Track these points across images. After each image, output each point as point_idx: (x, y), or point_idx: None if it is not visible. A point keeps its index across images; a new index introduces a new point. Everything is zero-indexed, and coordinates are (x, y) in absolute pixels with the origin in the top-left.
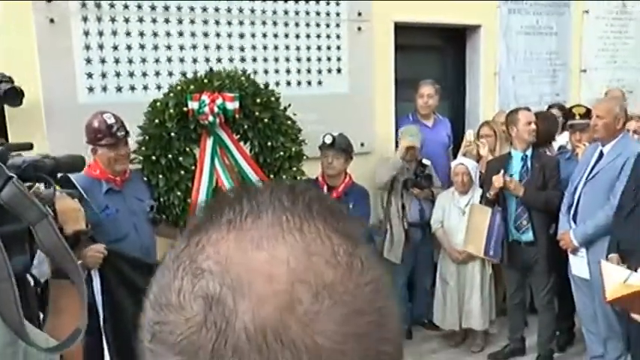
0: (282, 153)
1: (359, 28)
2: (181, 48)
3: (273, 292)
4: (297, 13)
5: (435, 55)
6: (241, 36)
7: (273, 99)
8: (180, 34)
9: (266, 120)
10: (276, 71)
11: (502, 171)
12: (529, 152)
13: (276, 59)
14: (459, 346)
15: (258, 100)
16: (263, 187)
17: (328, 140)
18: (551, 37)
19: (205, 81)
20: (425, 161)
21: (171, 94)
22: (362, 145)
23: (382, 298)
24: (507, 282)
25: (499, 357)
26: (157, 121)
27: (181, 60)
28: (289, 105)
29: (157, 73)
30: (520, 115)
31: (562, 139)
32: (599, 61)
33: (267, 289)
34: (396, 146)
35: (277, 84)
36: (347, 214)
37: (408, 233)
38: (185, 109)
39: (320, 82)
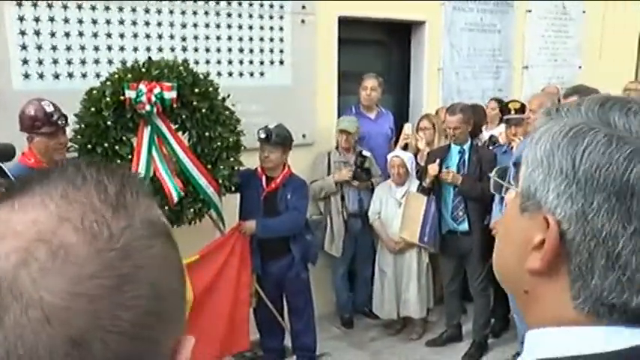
0: (219, 143)
1: (302, 21)
2: (122, 36)
3: (15, 247)
4: (240, 4)
5: (380, 50)
6: (183, 25)
7: (211, 89)
8: (121, 22)
9: (204, 110)
10: (218, 62)
11: (437, 160)
12: (467, 145)
13: (219, 50)
14: (398, 334)
15: (197, 90)
16: (66, 165)
17: (262, 135)
18: (495, 35)
19: (143, 70)
20: (365, 153)
21: (109, 83)
22: (304, 136)
23: (129, 267)
24: (443, 271)
25: (436, 343)
26: (93, 109)
27: (121, 48)
28: (228, 95)
29: (97, 61)
30: (445, 117)
31: (497, 131)
32: (541, 58)
33: (12, 245)
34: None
35: (219, 74)
36: (135, 191)
37: (347, 224)
38: (122, 97)
39: (262, 74)
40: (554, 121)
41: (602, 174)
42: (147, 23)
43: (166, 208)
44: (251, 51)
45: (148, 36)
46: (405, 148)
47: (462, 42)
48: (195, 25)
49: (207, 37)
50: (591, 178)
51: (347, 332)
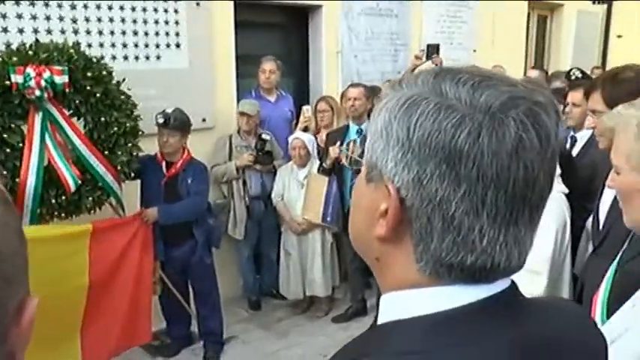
0: (116, 129)
1: (197, 4)
2: (4, 16)
3: None
4: None
5: (279, 33)
6: (73, 7)
7: (105, 73)
8: (2, 0)
9: (98, 95)
10: (113, 45)
11: (338, 142)
12: (365, 125)
13: (112, 32)
14: (305, 313)
15: (90, 74)
16: None
17: (161, 120)
18: (392, 19)
19: (30, 53)
20: (264, 136)
21: None
22: (203, 120)
23: None
24: (347, 247)
25: (342, 319)
26: None
27: (4, 30)
28: (123, 79)
29: None
30: (346, 92)
31: None
32: (437, 41)
33: None
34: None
35: (114, 58)
36: None
37: (250, 208)
38: (8, 82)
39: (159, 57)
40: (395, 93)
41: (432, 141)
42: (32, 3)
43: (64, 197)
44: (146, 34)
45: (34, 17)
46: (306, 130)
47: (359, 26)
48: (85, 7)
49: (99, 19)
50: (424, 146)
51: (254, 314)
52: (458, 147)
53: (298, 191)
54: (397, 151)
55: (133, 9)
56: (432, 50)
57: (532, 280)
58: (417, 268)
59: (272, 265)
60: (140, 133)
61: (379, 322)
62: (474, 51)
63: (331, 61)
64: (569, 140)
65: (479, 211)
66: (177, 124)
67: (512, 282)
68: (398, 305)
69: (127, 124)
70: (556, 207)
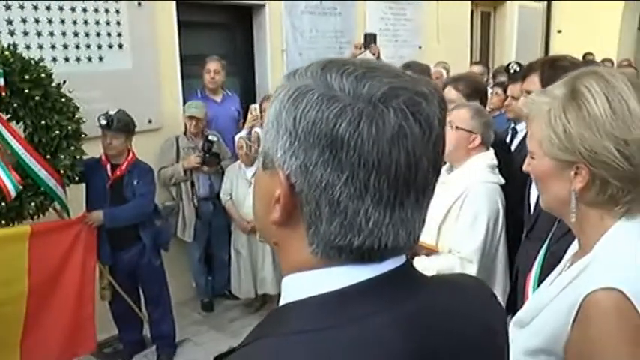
0: (58, 132)
1: (139, 4)
2: None
3: None
4: None
5: (223, 32)
6: (8, 7)
7: (44, 75)
8: None
9: (37, 98)
10: (53, 47)
11: (243, 132)
12: None
13: (52, 34)
14: (258, 312)
15: (27, 77)
16: None
17: (103, 121)
18: (336, 17)
19: None
20: (211, 137)
21: None
22: (149, 122)
23: None
24: None
25: None
26: None
27: None
28: (64, 82)
29: None
30: None
31: None
32: (382, 39)
33: None
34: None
35: (54, 60)
36: None
37: (198, 209)
38: None
39: (101, 58)
40: (287, 84)
41: (316, 130)
42: None
43: (3, 204)
44: (87, 35)
45: None
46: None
47: (303, 24)
48: (22, 7)
49: (37, 20)
50: (308, 135)
51: (207, 316)
52: (339, 135)
53: (246, 190)
54: (285, 139)
55: (73, 9)
56: (370, 40)
57: (464, 268)
58: (310, 251)
59: (223, 266)
60: (83, 135)
61: (280, 303)
62: (420, 47)
63: (276, 59)
64: (509, 132)
65: (363, 195)
66: (120, 125)
67: (407, 260)
68: (295, 287)
69: (69, 127)
70: (488, 198)
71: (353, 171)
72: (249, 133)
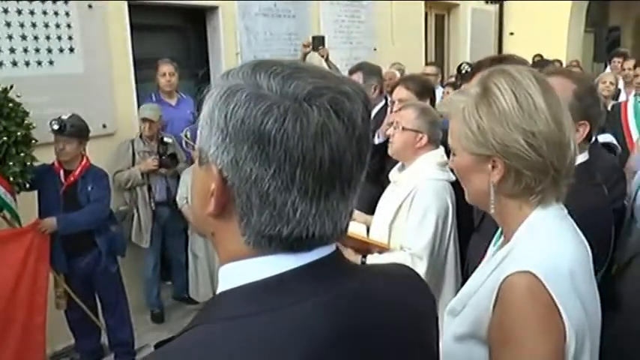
0: (6, 138)
1: (89, 6)
2: None
3: None
4: None
5: (177, 35)
6: None
7: None
8: None
9: None
10: None
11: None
12: None
13: None
14: None
15: None
16: None
17: (55, 126)
18: (290, 20)
19: None
20: (166, 139)
21: None
22: (104, 126)
23: None
24: None
25: None
26: None
27: None
28: (11, 86)
29: None
30: None
31: None
32: (337, 41)
33: None
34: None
35: (1, 64)
36: None
37: (155, 214)
38: None
39: (52, 62)
40: (220, 84)
41: (245, 127)
42: None
43: None
44: (36, 38)
45: None
46: None
47: (257, 26)
48: None
49: None
50: (238, 131)
51: (167, 320)
52: (266, 132)
53: None
54: (218, 136)
55: (19, 12)
56: (318, 42)
57: (415, 265)
58: (243, 241)
59: (182, 270)
60: (33, 141)
61: (217, 292)
62: (375, 49)
63: (231, 62)
64: None
65: (290, 187)
66: (73, 130)
67: (336, 249)
68: (230, 275)
69: (18, 133)
70: (437, 195)
71: (279, 165)
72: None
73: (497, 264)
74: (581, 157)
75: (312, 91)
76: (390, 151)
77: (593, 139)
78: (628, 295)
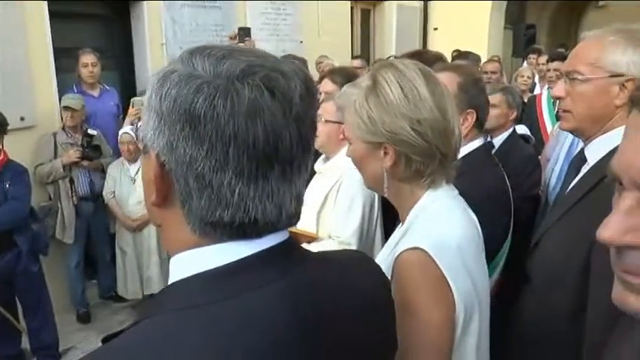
0: None
1: None
2: None
3: None
4: None
5: (99, 24)
6: None
7: None
8: None
9: None
10: None
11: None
12: None
13: None
14: None
15: None
16: None
17: None
18: (216, 11)
19: None
20: (91, 131)
21: None
22: (22, 119)
23: None
24: None
25: None
26: None
27: None
28: None
29: None
30: None
31: None
32: (264, 33)
33: None
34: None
35: None
36: None
37: (78, 209)
38: None
39: None
40: (159, 70)
41: (177, 107)
42: None
43: None
44: None
45: None
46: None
47: (183, 17)
48: None
49: None
50: (171, 112)
51: (94, 320)
52: (197, 110)
53: (130, 187)
54: (154, 120)
55: None
56: (244, 34)
57: None
58: (189, 230)
59: (108, 267)
60: None
61: (168, 283)
62: (301, 42)
63: (156, 52)
64: None
65: (224, 167)
66: None
67: (289, 237)
68: (181, 266)
69: None
70: (362, 183)
71: (212, 144)
72: (136, 128)
73: (395, 244)
74: (477, 142)
75: (245, 69)
76: (316, 145)
77: (511, 130)
78: (537, 269)
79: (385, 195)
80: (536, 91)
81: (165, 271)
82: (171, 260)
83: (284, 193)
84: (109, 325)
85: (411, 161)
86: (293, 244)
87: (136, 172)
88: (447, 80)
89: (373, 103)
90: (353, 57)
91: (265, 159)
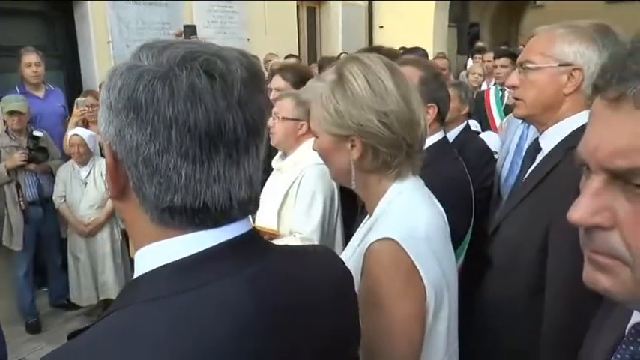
0: None
1: None
2: None
3: None
4: None
5: (41, 22)
6: None
7: None
8: None
9: None
10: None
11: None
12: None
13: None
14: None
15: None
16: None
17: None
18: (163, 9)
19: None
20: (36, 133)
21: None
22: None
23: None
24: None
25: None
26: None
27: None
28: None
29: None
30: None
31: None
32: (210, 31)
33: None
34: None
35: None
36: None
37: (26, 214)
38: None
39: None
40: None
41: (122, 95)
42: None
43: None
44: None
45: None
46: (86, 125)
47: (129, 15)
48: None
49: None
50: (117, 101)
51: (45, 330)
52: (138, 97)
53: (81, 191)
54: (105, 112)
55: None
56: (190, 32)
57: None
58: (149, 220)
59: (59, 274)
60: None
61: (134, 277)
62: (248, 40)
63: (102, 51)
64: None
65: (168, 150)
66: None
67: (252, 229)
68: (146, 259)
69: None
70: (322, 179)
71: (154, 128)
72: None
73: (364, 236)
74: (438, 135)
75: (185, 56)
76: (272, 142)
77: (465, 124)
78: (498, 254)
79: (352, 187)
80: (483, 87)
81: (120, 275)
82: (136, 255)
83: (231, 177)
84: (60, 335)
85: (378, 153)
86: (257, 236)
87: (87, 175)
88: (409, 74)
89: (340, 96)
90: (287, 56)
91: (209, 141)
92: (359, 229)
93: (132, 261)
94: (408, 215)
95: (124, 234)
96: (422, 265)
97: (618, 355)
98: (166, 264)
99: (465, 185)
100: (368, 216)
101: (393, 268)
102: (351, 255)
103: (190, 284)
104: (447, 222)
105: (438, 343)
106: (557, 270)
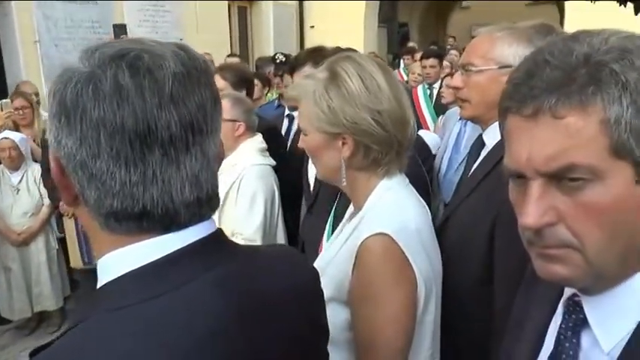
0: None
1: None
2: None
3: None
4: None
5: None
6: None
7: None
8: None
9: None
10: None
11: None
12: None
13: None
14: (34, 332)
15: None
16: None
17: None
18: (92, 7)
19: None
20: None
21: None
22: None
23: None
24: None
25: None
26: None
27: None
28: None
29: None
30: None
31: None
32: (142, 30)
33: None
34: None
35: None
36: None
37: None
38: None
39: None
40: None
41: (55, 101)
42: None
43: None
44: None
45: None
46: (17, 128)
47: (57, 14)
48: None
49: None
50: (52, 107)
51: None
52: (67, 101)
53: (13, 197)
54: (49, 119)
55: None
56: (120, 31)
57: None
58: (98, 227)
59: None
60: None
61: (97, 287)
62: (181, 40)
63: (29, 51)
64: (286, 119)
65: (100, 153)
66: None
67: (216, 231)
68: (108, 267)
69: None
70: (262, 179)
71: (82, 132)
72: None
73: (352, 231)
74: None
75: (114, 54)
76: None
77: None
78: (448, 244)
79: (341, 185)
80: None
81: (57, 286)
82: (98, 263)
83: (170, 178)
84: None
85: (369, 151)
86: (221, 237)
87: (20, 181)
88: None
89: (334, 94)
90: (230, 55)
91: (140, 142)
92: (346, 225)
93: (70, 270)
94: (398, 211)
95: (62, 242)
96: (413, 258)
97: (563, 325)
98: (130, 271)
99: (421, 179)
100: (349, 212)
101: (387, 262)
102: (338, 250)
103: (156, 290)
104: (430, 216)
105: (426, 334)
106: (503, 263)
